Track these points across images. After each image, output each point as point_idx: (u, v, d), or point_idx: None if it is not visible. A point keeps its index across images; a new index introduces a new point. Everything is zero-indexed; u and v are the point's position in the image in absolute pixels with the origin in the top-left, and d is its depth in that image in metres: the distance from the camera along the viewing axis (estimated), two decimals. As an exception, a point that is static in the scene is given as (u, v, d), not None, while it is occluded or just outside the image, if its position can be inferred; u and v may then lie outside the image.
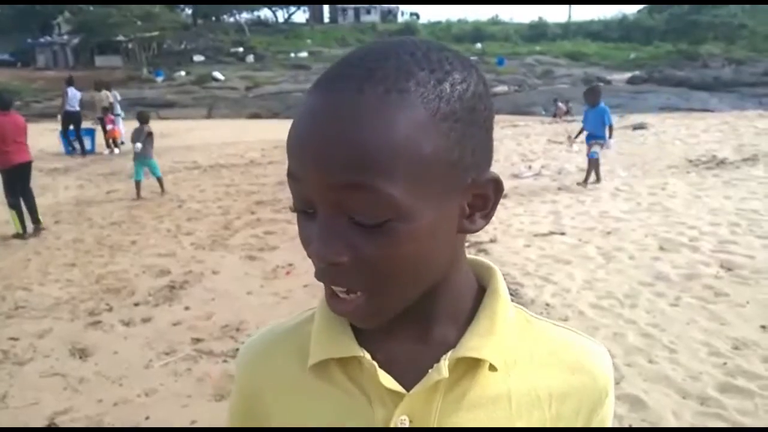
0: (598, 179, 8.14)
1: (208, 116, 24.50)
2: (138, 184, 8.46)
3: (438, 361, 0.58)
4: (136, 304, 4.56)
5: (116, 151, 13.73)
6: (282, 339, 0.69)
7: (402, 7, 67.83)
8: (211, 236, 6.42)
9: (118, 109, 14.57)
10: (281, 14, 61.31)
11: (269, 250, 5.85)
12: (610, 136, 8.14)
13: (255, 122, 21.81)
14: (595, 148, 8.03)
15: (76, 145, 13.48)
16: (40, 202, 7.20)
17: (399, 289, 0.55)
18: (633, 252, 5.27)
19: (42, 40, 45.68)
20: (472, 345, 0.59)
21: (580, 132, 8.65)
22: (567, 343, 0.64)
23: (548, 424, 0.61)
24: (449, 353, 0.58)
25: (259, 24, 57.19)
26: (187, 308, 4.46)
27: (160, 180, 8.78)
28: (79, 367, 3.61)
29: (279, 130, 17.71)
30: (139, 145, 8.32)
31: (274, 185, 9.22)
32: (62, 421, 3.01)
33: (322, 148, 0.50)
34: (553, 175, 8.84)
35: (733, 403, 2.98)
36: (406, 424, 0.58)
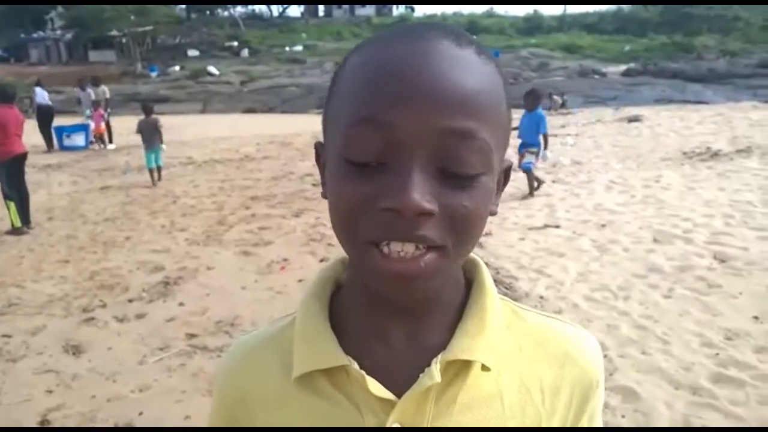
0: (531, 192, 7.24)
1: (203, 111, 24.42)
2: (151, 172, 9.06)
3: (428, 364, 0.56)
4: (130, 300, 4.55)
5: (111, 146, 13.66)
6: (263, 348, 0.65)
7: None
8: (205, 232, 6.40)
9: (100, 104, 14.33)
10: (276, 8, 61.13)
11: (264, 246, 5.84)
12: (545, 147, 7.32)
13: (250, 117, 21.75)
14: (529, 158, 7.22)
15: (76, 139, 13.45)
16: (34, 198, 7.17)
17: (466, 250, 0.54)
18: (627, 244, 5.28)
19: (35, 35, 45.43)
20: (462, 346, 0.57)
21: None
22: (555, 334, 0.63)
23: (543, 420, 0.60)
24: (440, 356, 0.56)
25: (254, 18, 56.98)
26: (181, 304, 4.45)
27: (159, 168, 9.26)
28: (72, 363, 3.60)
29: (274, 124, 17.71)
30: (163, 146, 9.30)
31: (268, 180, 9.20)
32: (55, 418, 3.00)
33: (435, 91, 0.48)
34: (548, 168, 8.84)
35: (725, 393, 2.99)
36: None
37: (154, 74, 33.71)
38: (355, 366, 0.57)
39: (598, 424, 0.66)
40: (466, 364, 0.58)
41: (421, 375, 0.56)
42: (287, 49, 42.48)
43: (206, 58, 38.67)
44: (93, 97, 13.77)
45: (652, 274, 4.59)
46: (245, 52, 41.49)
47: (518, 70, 31.38)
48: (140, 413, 3.04)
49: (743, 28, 42.01)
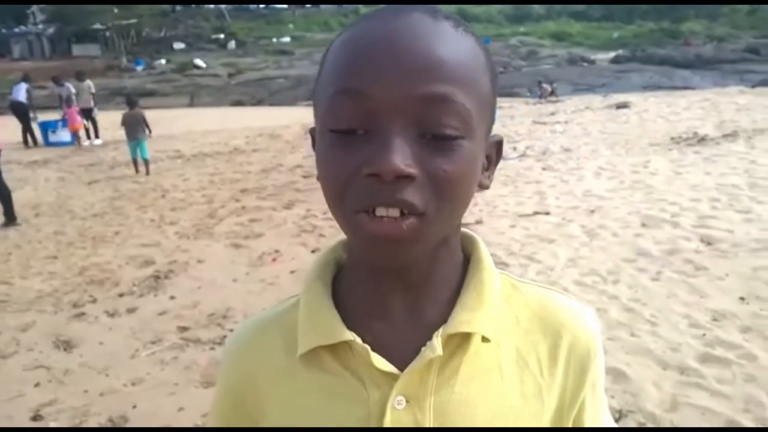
0: None
1: (191, 104, 24.29)
2: (135, 162, 9.51)
3: (429, 339, 0.57)
4: (121, 295, 4.54)
5: (98, 141, 13.56)
6: (267, 330, 0.66)
7: (384, -10, 67.03)
8: (195, 225, 6.39)
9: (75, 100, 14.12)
10: (262, -1, 60.57)
11: (255, 238, 5.84)
12: None
13: (238, 110, 21.67)
14: None
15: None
16: (20, 195, 7.12)
17: (449, 214, 0.55)
18: (616, 229, 5.33)
19: (17, 30, 44.81)
20: (462, 319, 0.58)
21: None
22: (551, 305, 0.64)
23: (543, 390, 0.61)
24: (441, 330, 0.58)
25: (240, 9, 56.46)
26: (172, 297, 4.45)
27: (146, 162, 9.48)
28: (63, 359, 3.59)
29: (263, 117, 17.64)
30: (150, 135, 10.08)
31: (258, 173, 9.18)
32: (48, 413, 3.00)
33: (406, 61, 0.51)
34: (538, 156, 8.88)
35: (712, 373, 3.04)
36: (403, 405, 0.57)
37: (139, 68, 33.41)
38: (359, 341, 0.58)
39: (602, 397, 0.67)
40: (467, 337, 0.59)
41: (423, 348, 0.57)
42: (275, 40, 42.23)
43: (193, 51, 38.39)
44: (74, 91, 13.55)
45: (641, 258, 4.64)
46: (232, 44, 41.21)
47: (508, 59, 31.39)
48: (134, 406, 3.04)
49: (729, 14, 42.19)
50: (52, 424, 2.88)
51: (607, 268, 4.47)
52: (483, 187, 0.59)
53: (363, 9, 53.88)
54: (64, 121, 13.62)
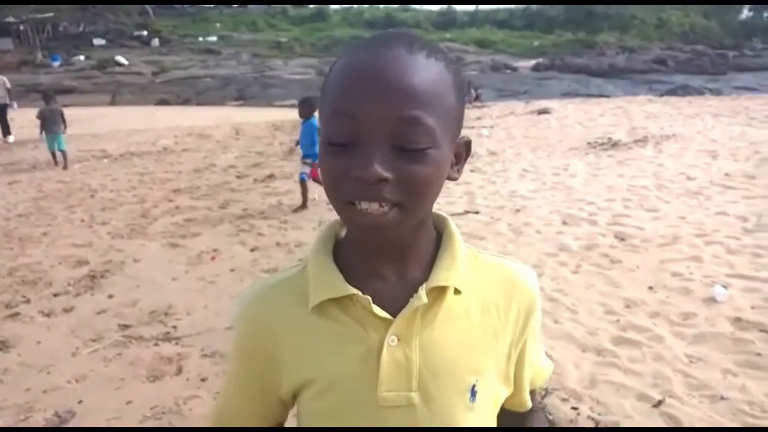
0: (304, 204, 6.73)
1: (112, 103, 23.38)
2: (54, 154, 9.87)
3: (415, 292, 0.74)
4: (56, 295, 4.46)
5: (10, 138, 12.89)
6: (279, 288, 0.82)
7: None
8: (128, 225, 6.30)
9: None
10: (187, -4, 58.93)
11: (192, 237, 5.83)
12: (314, 155, 6.45)
13: (164, 109, 21.08)
14: (303, 168, 6.65)
15: None
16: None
17: (421, 206, 0.72)
18: (539, 227, 5.70)
19: None
20: (440, 276, 0.76)
21: (297, 143, 7.20)
22: (506, 268, 0.84)
23: (499, 331, 0.80)
24: (425, 285, 0.75)
25: (165, 7, 54.76)
26: (110, 296, 4.42)
27: (64, 154, 9.75)
28: (0, 359, 3.53)
29: (190, 116, 17.28)
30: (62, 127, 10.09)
31: (190, 173, 9.08)
32: (-10, 411, 2.97)
33: (386, 90, 0.66)
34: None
35: (624, 353, 3.38)
36: (395, 342, 0.74)
37: (56, 64, 31.84)
38: (361, 294, 0.74)
39: (540, 339, 0.88)
40: (443, 290, 0.76)
41: (411, 299, 0.74)
42: (201, 39, 41.26)
43: (114, 48, 36.91)
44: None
45: (562, 252, 5.01)
46: (156, 42, 39.93)
47: (434, 64, 32.03)
48: (79, 401, 3.05)
49: (639, 25, 44.89)
50: (-4, 422, 2.86)
51: (531, 262, 4.79)
52: (451, 179, 0.77)
53: (291, 11, 53.57)
54: None
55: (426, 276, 0.77)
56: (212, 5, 55.80)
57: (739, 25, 48.49)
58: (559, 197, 6.78)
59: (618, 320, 3.78)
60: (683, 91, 19.85)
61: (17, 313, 4.14)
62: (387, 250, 0.77)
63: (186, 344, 3.64)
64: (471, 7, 58.12)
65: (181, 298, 4.37)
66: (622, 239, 5.25)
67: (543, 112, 14.67)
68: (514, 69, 32.08)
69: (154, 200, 7.36)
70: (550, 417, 2.85)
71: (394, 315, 0.75)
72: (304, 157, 6.69)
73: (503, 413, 0.86)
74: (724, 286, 4.10)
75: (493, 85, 24.92)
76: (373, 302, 0.74)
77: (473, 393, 0.78)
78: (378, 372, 0.74)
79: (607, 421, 2.81)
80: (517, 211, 6.30)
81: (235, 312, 0.83)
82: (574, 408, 2.91)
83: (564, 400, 2.98)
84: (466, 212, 6.30)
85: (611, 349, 3.43)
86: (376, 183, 0.66)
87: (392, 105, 0.66)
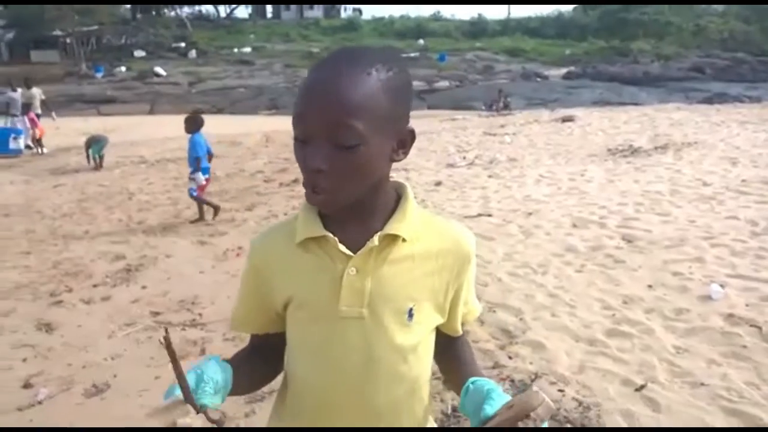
0: (201, 217, 6.83)
1: (151, 112, 24.22)
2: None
3: (372, 237, 1.00)
4: (95, 286, 4.88)
5: (44, 150, 13.34)
6: (276, 230, 1.12)
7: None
8: (162, 224, 6.74)
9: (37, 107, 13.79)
10: (223, 9, 60.52)
11: (219, 236, 6.23)
12: (197, 169, 6.75)
13: (199, 118, 21.70)
14: (190, 184, 6.84)
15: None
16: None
17: (352, 188, 0.95)
18: (549, 229, 5.90)
19: (-27, 34, 43.57)
20: (392, 227, 1.02)
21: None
22: (448, 226, 1.10)
23: (436, 272, 1.06)
24: (379, 233, 1.01)
25: (201, 19, 56.29)
26: (144, 287, 4.81)
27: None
28: (46, 339, 3.93)
29: (223, 125, 17.80)
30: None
31: (220, 177, 9.51)
32: (37, 382, 3.35)
33: (326, 100, 0.90)
34: (485, 165, 9.48)
35: (615, 343, 3.57)
36: (354, 272, 1.01)
37: (99, 75, 33.06)
38: (331, 236, 1.02)
39: (473, 286, 1.16)
40: (395, 238, 1.02)
41: (368, 242, 1.01)
42: (235, 50, 42.22)
43: (153, 59, 38.10)
44: (21, 99, 13.19)
45: (568, 253, 5.21)
46: (193, 53, 41.04)
47: (464, 73, 32.27)
48: (114, 375, 3.42)
49: (676, 32, 44.18)
50: (42, 391, 3.23)
51: (537, 262, 5.02)
52: (394, 161, 1.03)
53: (324, 22, 54.39)
54: (19, 130, 13.32)
55: (383, 227, 1.03)
56: (247, 17, 57.10)
57: (781, 31, 47.36)
58: (572, 201, 6.95)
59: (614, 315, 3.96)
60: (719, 99, 19.50)
61: (61, 301, 4.56)
62: (346, 210, 1.00)
63: (210, 329, 3.99)
64: (502, 16, 58.15)
65: (207, 289, 4.73)
66: (629, 241, 5.40)
67: (567, 119, 14.75)
68: (545, 77, 31.95)
69: (187, 202, 7.78)
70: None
71: (356, 252, 1.02)
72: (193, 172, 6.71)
73: (440, 335, 1.16)
74: (722, 285, 4.25)
75: (522, 94, 24.84)
76: (340, 242, 1.02)
77: (410, 314, 1.06)
78: (340, 292, 1.03)
79: (590, 402, 3.04)
80: (530, 214, 6.50)
81: (248, 251, 1.14)
82: (561, 390, 3.13)
83: (552, 383, 3.21)
84: (479, 215, 6.53)
85: (603, 340, 3.61)
86: (315, 172, 0.92)
87: (328, 112, 0.90)
